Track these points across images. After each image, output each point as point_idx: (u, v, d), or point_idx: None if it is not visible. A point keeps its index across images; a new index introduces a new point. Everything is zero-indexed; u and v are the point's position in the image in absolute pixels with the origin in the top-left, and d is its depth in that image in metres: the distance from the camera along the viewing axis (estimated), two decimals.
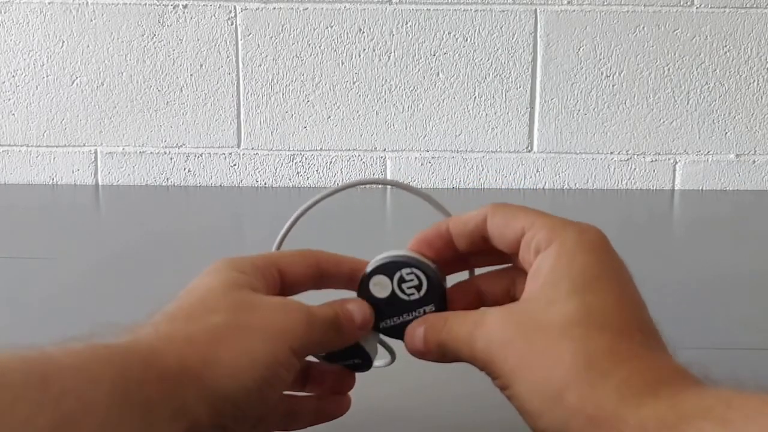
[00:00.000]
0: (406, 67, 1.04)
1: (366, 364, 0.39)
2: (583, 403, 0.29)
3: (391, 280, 0.37)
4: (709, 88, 1.04)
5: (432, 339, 0.35)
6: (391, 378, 0.42)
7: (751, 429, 0.26)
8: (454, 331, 0.35)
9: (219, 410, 0.30)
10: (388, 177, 1.07)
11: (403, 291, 0.37)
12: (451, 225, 0.37)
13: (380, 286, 0.38)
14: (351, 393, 0.41)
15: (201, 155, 1.07)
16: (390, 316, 0.38)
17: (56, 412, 0.26)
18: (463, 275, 0.40)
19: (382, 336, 0.39)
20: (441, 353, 0.35)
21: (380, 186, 1.07)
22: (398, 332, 0.38)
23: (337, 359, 0.39)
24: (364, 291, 0.38)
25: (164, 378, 0.29)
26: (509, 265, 0.38)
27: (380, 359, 0.41)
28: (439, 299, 0.37)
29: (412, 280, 0.37)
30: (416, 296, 0.37)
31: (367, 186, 1.05)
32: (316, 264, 0.38)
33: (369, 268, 0.38)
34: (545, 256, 0.33)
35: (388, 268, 0.38)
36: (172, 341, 0.31)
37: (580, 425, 0.29)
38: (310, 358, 0.40)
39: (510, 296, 0.38)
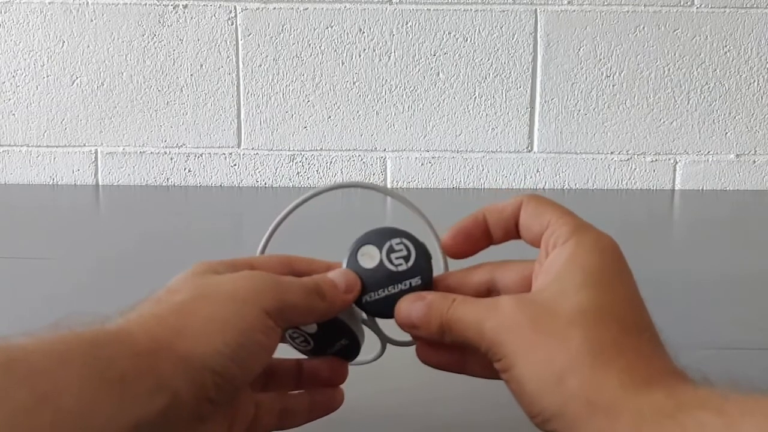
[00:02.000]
0: (406, 67, 1.04)
1: (353, 344, 0.39)
2: (584, 387, 0.30)
3: (380, 250, 0.38)
4: (709, 88, 1.04)
5: (435, 317, 0.35)
6: (383, 377, 0.42)
7: (748, 421, 0.26)
8: (460, 313, 0.35)
9: (198, 381, 0.30)
10: (389, 177, 1.07)
11: (391, 261, 0.38)
12: (487, 213, 0.38)
13: (368, 257, 0.38)
14: (344, 393, 0.41)
15: (201, 155, 1.07)
16: (375, 289, 0.37)
17: (28, 392, 0.26)
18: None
19: (366, 329, 0.39)
20: (440, 332, 0.35)
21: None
22: (382, 306, 0.37)
23: (324, 348, 0.39)
24: (351, 263, 0.38)
25: (136, 353, 0.29)
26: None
27: (370, 353, 0.41)
28: (426, 272, 0.38)
29: (401, 250, 0.38)
30: (404, 267, 0.37)
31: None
32: (289, 264, 0.38)
33: (358, 240, 0.38)
34: (561, 251, 0.34)
35: (378, 238, 0.38)
36: (141, 322, 0.31)
37: (577, 409, 0.30)
38: (299, 356, 0.40)
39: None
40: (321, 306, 0.36)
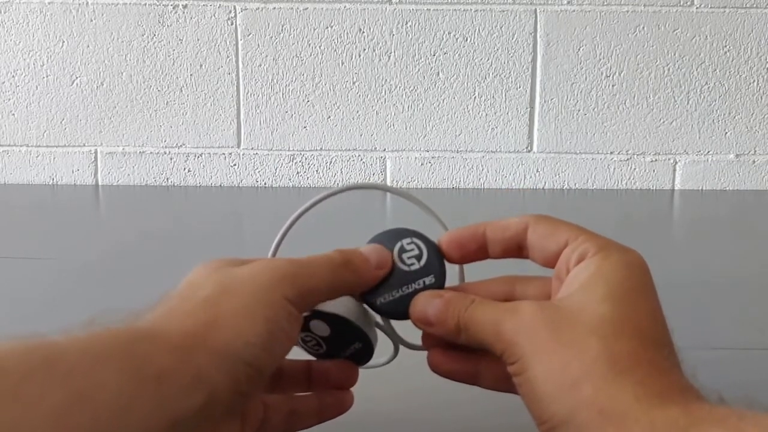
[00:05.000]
0: (406, 67, 1.04)
1: (367, 348, 0.39)
2: (597, 395, 0.30)
3: (392, 251, 0.38)
4: (709, 88, 1.04)
5: (452, 315, 0.35)
6: (393, 380, 0.42)
7: None
8: (479, 312, 0.35)
9: (234, 373, 0.30)
10: (388, 177, 1.07)
11: (403, 261, 0.37)
12: (488, 230, 0.38)
13: None
14: (354, 396, 0.40)
15: (201, 155, 1.07)
16: (389, 290, 0.37)
17: (65, 391, 0.26)
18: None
19: (378, 331, 0.39)
20: (456, 331, 0.35)
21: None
22: (397, 307, 0.37)
23: (336, 351, 0.39)
24: None
25: (173, 350, 0.29)
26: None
27: (382, 356, 0.41)
28: (439, 270, 0.37)
29: (412, 249, 0.38)
30: (416, 266, 0.37)
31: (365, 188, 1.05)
32: None
33: (369, 241, 0.38)
34: (586, 265, 0.34)
35: (389, 240, 0.38)
36: (171, 318, 0.31)
37: (588, 417, 0.30)
38: (307, 357, 0.40)
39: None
40: (349, 280, 0.36)
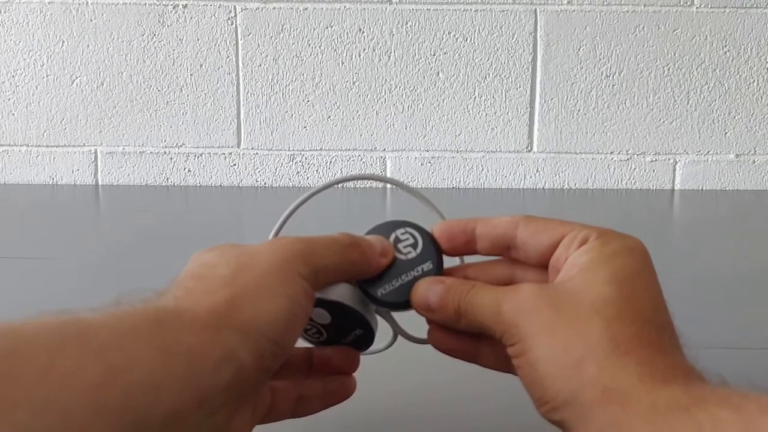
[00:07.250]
0: (406, 67, 1.04)
1: (368, 334, 0.39)
2: (601, 375, 0.30)
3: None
4: (709, 88, 1.04)
5: (452, 300, 0.35)
6: (394, 377, 0.42)
7: (766, 420, 0.26)
8: (479, 296, 0.35)
9: (259, 350, 0.31)
10: (388, 177, 1.07)
11: (399, 251, 0.38)
12: (479, 226, 0.38)
13: None
14: (357, 391, 0.41)
15: (201, 155, 1.07)
16: (388, 281, 0.37)
17: (100, 366, 0.26)
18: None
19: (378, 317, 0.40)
20: (457, 316, 0.35)
21: (380, 185, 1.07)
22: (397, 296, 0.37)
23: (337, 339, 0.39)
24: None
25: (200, 328, 0.30)
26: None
27: (381, 341, 0.41)
28: (436, 256, 0.38)
29: (407, 239, 0.38)
30: (413, 254, 0.38)
31: (367, 185, 1.05)
32: None
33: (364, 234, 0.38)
34: (586, 250, 0.34)
35: (383, 231, 0.38)
36: (193, 298, 0.32)
37: (592, 396, 0.30)
38: (305, 345, 0.40)
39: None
40: (357, 261, 0.36)
